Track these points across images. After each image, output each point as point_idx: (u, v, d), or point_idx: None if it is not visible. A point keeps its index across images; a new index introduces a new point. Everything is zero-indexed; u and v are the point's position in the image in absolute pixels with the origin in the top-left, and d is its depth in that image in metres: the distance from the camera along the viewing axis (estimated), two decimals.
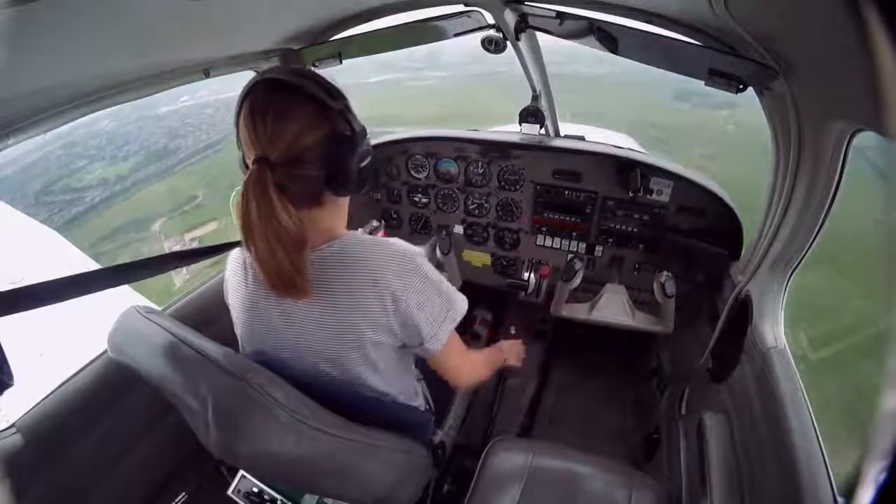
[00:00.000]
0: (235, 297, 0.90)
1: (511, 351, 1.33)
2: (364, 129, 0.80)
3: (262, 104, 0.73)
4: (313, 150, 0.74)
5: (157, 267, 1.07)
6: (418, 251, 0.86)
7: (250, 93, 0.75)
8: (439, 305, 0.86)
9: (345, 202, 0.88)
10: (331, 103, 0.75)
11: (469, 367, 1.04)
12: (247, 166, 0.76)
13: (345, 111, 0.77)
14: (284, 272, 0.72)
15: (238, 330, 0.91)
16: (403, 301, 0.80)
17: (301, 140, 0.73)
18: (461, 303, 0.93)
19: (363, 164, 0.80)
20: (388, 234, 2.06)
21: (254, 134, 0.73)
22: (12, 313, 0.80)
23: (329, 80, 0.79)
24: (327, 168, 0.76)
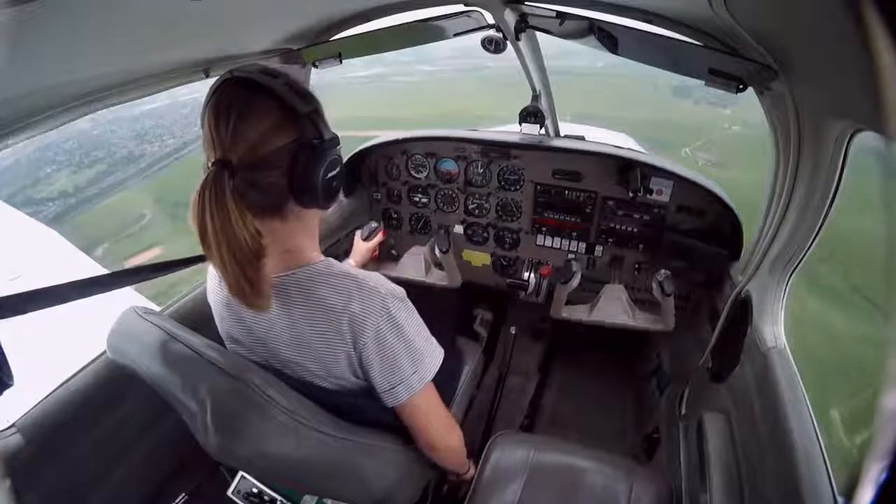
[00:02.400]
0: (214, 299, 0.90)
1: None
2: (335, 138, 0.76)
3: (225, 102, 0.69)
4: (277, 156, 0.70)
5: (135, 277, 1.07)
6: (397, 293, 0.81)
7: (217, 91, 0.71)
8: (405, 363, 0.80)
9: (312, 217, 0.82)
10: (300, 106, 0.70)
11: (443, 428, 0.94)
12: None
13: (314, 116, 0.73)
14: (238, 285, 0.68)
15: (220, 330, 0.91)
16: (362, 341, 0.76)
17: (265, 143, 0.69)
18: (432, 363, 0.86)
19: (331, 174, 0.75)
20: (388, 235, 2.06)
21: (215, 133, 0.68)
22: (11, 316, 0.80)
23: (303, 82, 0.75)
24: (291, 176, 0.71)
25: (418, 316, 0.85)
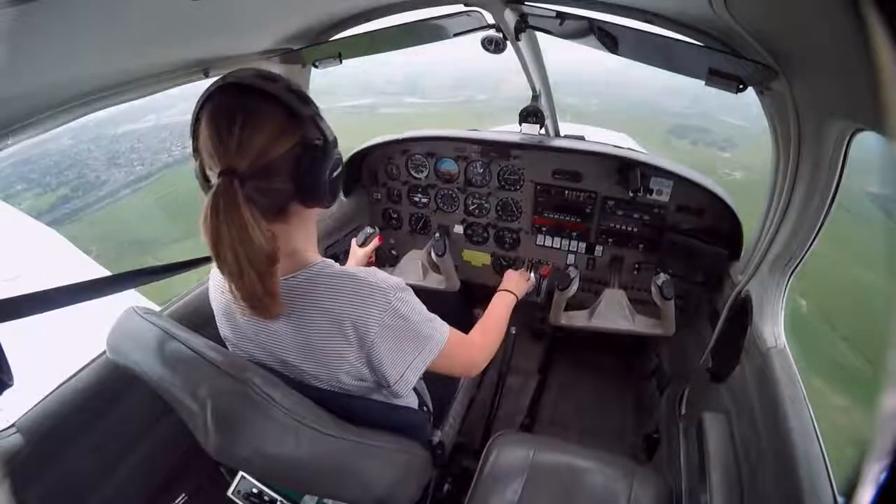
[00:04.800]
0: (216, 302, 0.90)
1: (515, 284, 1.34)
2: (335, 138, 0.77)
3: (228, 110, 0.68)
4: (283, 160, 0.70)
5: (134, 279, 1.07)
6: (395, 284, 0.81)
7: (213, 97, 0.70)
8: (410, 348, 0.81)
9: (312, 217, 0.83)
10: (302, 110, 0.70)
11: (476, 352, 1.02)
12: (205, 178, 0.72)
13: (315, 118, 0.73)
14: (255, 294, 0.68)
15: (221, 332, 0.91)
16: (369, 339, 0.76)
17: (271, 150, 0.68)
18: (438, 336, 0.87)
19: (335, 174, 0.76)
20: (388, 234, 2.06)
21: (218, 142, 0.67)
22: (12, 319, 0.81)
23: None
24: (297, 179, 0.72)
25: (419, 301, 0.86)
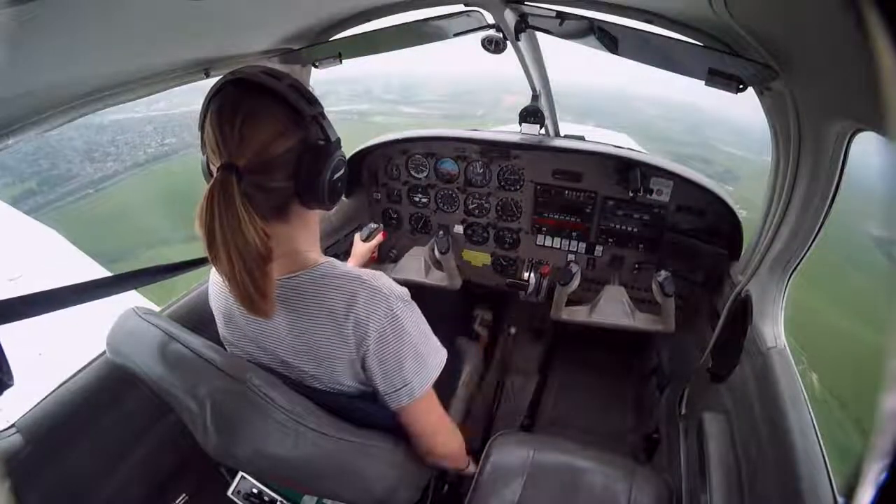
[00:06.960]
0: (216, 302, 0.89)
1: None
2: (338, 139, 0.76)
3: (231, 105, 0.68)
4: (284, 159, 0.70)
5: (137, 280, 1.07)
6: (400, 294, 0.79)
7: (219, 92, 0.70)
8: (408, 367, 0.79)
9: (314, 218, 0.83)
10: (305, 109, 0.70)
11: (444, 432, 0.94)
12: (210, 172, 0.72)
13: (319, 118, 0.73)
14: (246, 292, 0.67)
15: (221, 333, 0.91)
16: (367, 342, 0.75)
17: (272, 147, 0.68)
18: (434, 366, 0.84)
19: (336, 175, 0.76)
20: (387, 235, 2.06)
21: (220, 137, 0.68)
22: (13, 321, 0.80)
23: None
24: (298, 179, 0.71)
25: (422, 317, 0.85)
